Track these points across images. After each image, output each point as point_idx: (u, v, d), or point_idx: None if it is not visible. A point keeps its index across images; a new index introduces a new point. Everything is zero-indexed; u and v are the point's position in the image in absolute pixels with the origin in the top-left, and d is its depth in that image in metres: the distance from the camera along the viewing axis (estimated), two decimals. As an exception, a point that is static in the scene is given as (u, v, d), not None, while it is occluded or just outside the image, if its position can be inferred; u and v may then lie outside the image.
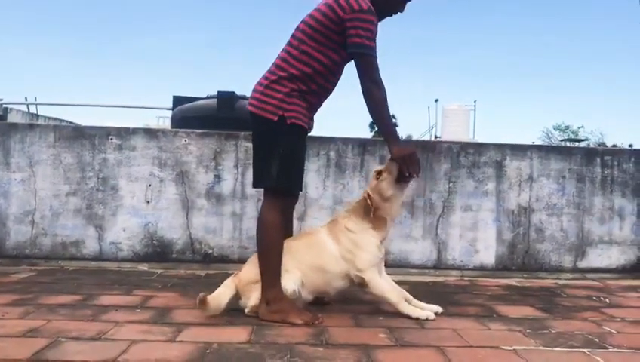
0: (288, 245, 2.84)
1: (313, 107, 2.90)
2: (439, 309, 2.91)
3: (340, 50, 2.78)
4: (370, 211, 2.83)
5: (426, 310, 2.85)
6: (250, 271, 2.81)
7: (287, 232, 2.97)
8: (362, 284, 2.80)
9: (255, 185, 2.95)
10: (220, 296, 2.77)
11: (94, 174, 4.17)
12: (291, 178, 2.82)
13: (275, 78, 2.78)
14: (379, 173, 2.87)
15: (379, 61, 2.76)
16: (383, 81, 2.74)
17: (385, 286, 2.85)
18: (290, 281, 2.74)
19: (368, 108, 2.76)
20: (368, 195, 2.84)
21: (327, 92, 2.92)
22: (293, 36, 2.85)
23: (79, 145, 4.18)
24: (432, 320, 2.77)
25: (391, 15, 2.97)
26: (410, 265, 4.23)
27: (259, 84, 2.85)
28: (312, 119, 2.96)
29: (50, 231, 4.14)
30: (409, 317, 2.77)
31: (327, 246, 2.83)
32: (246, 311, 2.75)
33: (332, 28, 2.73)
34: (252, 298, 2.73)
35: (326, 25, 2.74)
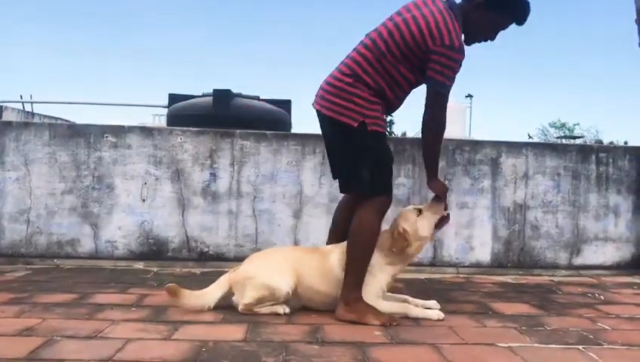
0: (299, 261, 2.82)
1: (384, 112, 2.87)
2: (437, 306, 2.92)
3: (416, 73, 2.77)
4: (402, 247, 2.79)
5: (434, 309, 2.84)
6: (249, 269, 2.81)
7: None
8: None
9: (345, 190, 2.99)
10: (209, 294, 2.78)
11: (90, 172, 4.16)
12: (384, 183, 2.81)
13: (351, 80, 2.73)
14: (420, 211, 2.84)
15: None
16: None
17: (386, 305, 2.79)
18: (287, 285, 2.73)
19: (424, 139, 2.82)
20: (404, 231, 2.79)
21: (399, 102, 2.91)
22: (373, 41, 2.78)
23: (74, 143, 4.16)
24: (442, 319, 2.73)
25: (480, 42, 2.92)
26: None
27: (332, 85, 2.79)
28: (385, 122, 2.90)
29: (45, 229, 4.13)
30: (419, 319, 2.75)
31: (337, 275, 2.78)
32: (239, 308, 2.75)
33: (415, 52, 2.70)
34: (246, 296, 2.73)
35: (410, 47, 2.69)
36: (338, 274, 2.77)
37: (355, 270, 2.71)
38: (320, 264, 2.83)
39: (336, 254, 2.83)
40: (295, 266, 2.79)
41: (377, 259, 2.82)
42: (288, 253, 2.93)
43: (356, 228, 2.73)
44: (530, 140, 24.41)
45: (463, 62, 2.75)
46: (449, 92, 2.74)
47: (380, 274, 2.81)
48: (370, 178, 2.75)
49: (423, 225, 2.82)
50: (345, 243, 2.84)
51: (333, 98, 2.76)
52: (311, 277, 2.80)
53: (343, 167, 2.89)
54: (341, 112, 2.73)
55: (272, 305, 2.74)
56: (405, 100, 2.95)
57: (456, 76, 2.76)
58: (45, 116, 13.68)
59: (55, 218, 4.14)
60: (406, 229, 2.79)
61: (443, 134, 2.81)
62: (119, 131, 4.21)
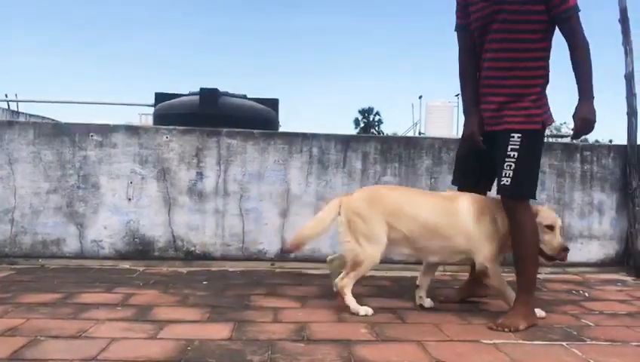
0: (411, 202, 2.88)
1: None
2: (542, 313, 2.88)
3: None
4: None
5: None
6: (360, 208, 2.87)
7: None
8: (483, 274, 2.82)
9: None
10: (323, 220, 2.96)
11: (75, 172, 4.13)
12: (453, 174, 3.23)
13: None
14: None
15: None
16: None
17: (502, 280, 2.87)
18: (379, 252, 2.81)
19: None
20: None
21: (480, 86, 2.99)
22: None
23: (59, 142, 4.13)
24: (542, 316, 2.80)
25: None
26: (392, 261, 4.22)
27: None
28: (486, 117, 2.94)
29: (30, 229, 4.10)
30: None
31: (464, 220, 2.82)
32: (344, 248, 2.88)
33: None
34: (355, 236, 2.82)
35: None
36: (469, 224, 2.81)
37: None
38: (448, 215, 2.84)
39: (468, 201, 2.86)
40: (409, 219, 2.83)
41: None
42: (403, 194, 3.01)
43: None
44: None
45: None
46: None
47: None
48: None
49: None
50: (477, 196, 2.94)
51: None
52: (435, 231, 2.82)
53: None
54: None
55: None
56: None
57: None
58: (31, 115, 13.56)
59: (40, 217, 4.10)
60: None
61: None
62: (104, 130, 4.18)
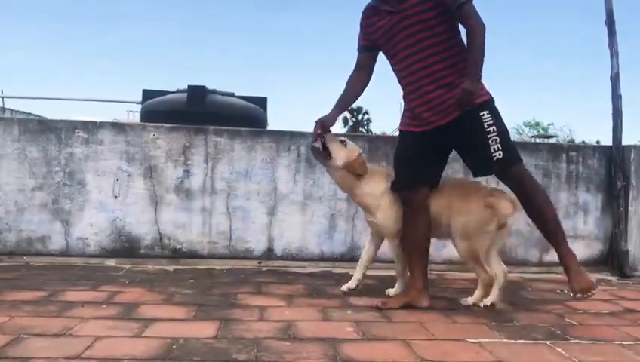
0: None
1: (409, 108, 3.09)
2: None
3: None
4: None
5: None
6: None
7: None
8: None
9: None
10: None
11: (61, 169, 4.10)
12: (397, 179, 3.17)
13: None
14: None
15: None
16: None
17: None
18: None
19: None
20: None
21: (407, 93, 3.08)
22: None
23: (45, 139, 4.10)
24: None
25: None
26: (378, 259, 4.23)
27: None
28: (418, 118, 3.02)
29: (15, 226, 4.06)
30: None
31: None
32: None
33: None
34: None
35: None
36: None
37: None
38: None
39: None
40: None
41: None
42: None
43: None
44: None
45: None
46: None
47: None
48: None
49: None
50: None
51: None
52: None
53: None
54: None
55: None
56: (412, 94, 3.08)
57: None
58: (17, 111, 13.45)
59: (25, 214, 4.07)
60: None
61: None
62: (91, 127, 4.15)
